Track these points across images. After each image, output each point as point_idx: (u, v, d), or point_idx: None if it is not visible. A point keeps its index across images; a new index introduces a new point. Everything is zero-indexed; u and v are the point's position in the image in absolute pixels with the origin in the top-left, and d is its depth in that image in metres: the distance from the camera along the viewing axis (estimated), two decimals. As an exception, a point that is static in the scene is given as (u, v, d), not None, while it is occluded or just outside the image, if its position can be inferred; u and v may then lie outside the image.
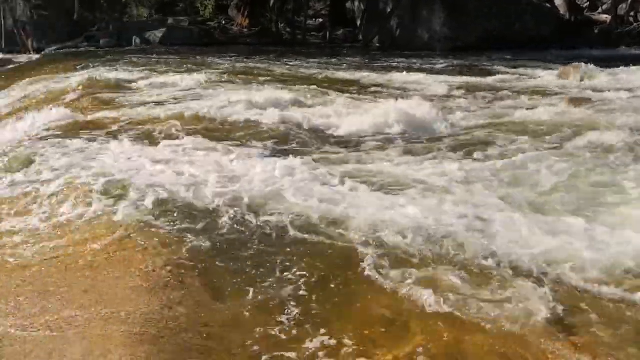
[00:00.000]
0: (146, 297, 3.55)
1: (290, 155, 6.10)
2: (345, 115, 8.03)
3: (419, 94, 10.39)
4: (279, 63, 14.87)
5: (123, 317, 3.33)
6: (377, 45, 21.32)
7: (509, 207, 4.73)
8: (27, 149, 6.86)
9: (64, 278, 3.85)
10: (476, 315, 3.33)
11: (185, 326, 3.30)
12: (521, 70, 14.27)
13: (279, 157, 6.20)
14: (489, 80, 12.12)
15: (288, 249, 4.19)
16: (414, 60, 15.81)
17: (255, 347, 3.15)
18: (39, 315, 3.39)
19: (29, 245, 4.40)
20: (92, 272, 3.90)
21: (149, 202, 4.88)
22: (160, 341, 3.16)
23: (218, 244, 4.28)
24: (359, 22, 23.12)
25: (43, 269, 4.00)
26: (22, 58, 19.03)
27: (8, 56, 19.53)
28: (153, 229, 4.47)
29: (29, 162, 6.37)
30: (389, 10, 21.26)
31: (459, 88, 10.90)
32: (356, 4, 23.37)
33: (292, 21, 23.37)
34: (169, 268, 3.92)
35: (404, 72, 12.95)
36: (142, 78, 11.81)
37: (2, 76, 15.32)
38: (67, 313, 3.40)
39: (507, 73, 13.32)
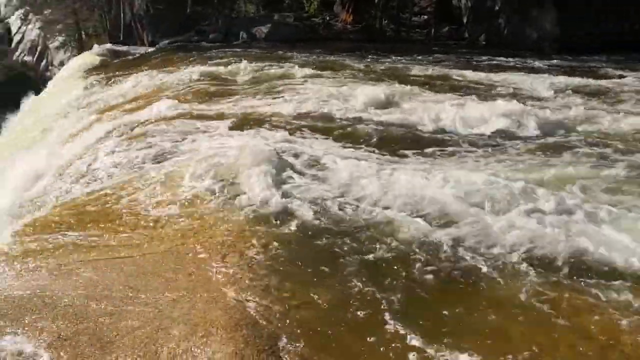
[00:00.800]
0: (247, 283, 3.64)
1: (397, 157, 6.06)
2: (451, 115, 7.82)
3: (526, 94, 9.97)
4: (382, 60, 14.79)
5: (224, 302, 3.44)
6: (484, 43, 20.67)
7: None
8: (134, 136, 7.30)
9: (171, 260, 4.02)
10: None
11: (281, 314, 3.35)
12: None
13: (384, 156, 6.17)
14: (604, 82, 11.39)
15: (406, 257, 4.17)
16: (523, 60, 15.17)
17: (351, 338, 3.16)
18: (148, 294, 3.57)
19: (137, 227, 4.64)
20: (197, 256, 4.06)
21: (254, 191, 5.01)
22: (258, 327, 3.22)
23: (321, 236, 4.33)
24: (465, 20, 22.54)
25: (152, 250, 4.20)
26: (138, 50, 20.17)
27: (125, 48, 20.77)
28: (257, 217, 4.58)
29: (131, 148, 6.78)
30: (496, 7, 20.57)
31: (571, 90, 10.33)
32: (463, 1, 22.82)
33: (396, 18, 23.15)
34: (270, 255, 4.00)
35: (512, 72, 12.46)
36: (247, 72, 12.12)
37: (120, 67, 16.29)
38: (173, 294, 3.56)
39: (624, 76, 12.46)
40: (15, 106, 17.64)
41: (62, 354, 3.01)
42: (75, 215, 5.02)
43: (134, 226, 4.62)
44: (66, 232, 4.61)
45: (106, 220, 4.80)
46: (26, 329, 3.19)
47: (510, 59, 15.25)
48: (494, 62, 14.89)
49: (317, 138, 6.93)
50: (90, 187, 6.02)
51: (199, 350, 3.01)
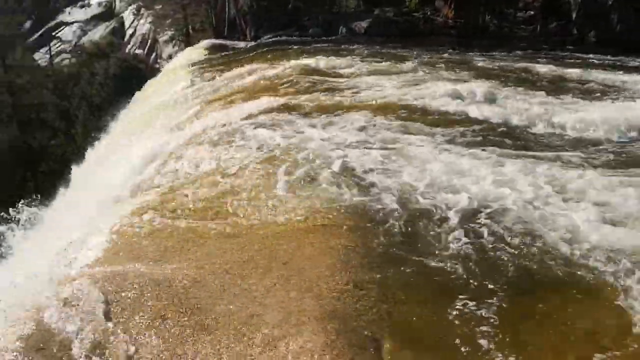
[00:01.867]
0: (339, 275, 3.68)
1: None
2: (559, 114, 7.47)
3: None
4: (483, 56, 14.35)
5: (317, 292, 3.50)
6: (593, 40, 19.56)
7: None
8: (237, 128, 7.51)
9: (267, 248, 4.13)
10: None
11: (375, 309, 3.36)
12: None
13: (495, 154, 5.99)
14: None
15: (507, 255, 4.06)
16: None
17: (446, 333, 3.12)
18: (243, 281, 3.69)
19: (237, 214, 4.79)
20: (292, 245, 4.14)
21: (349, 181, 5.05)
22: (350, 320, 3.25)
23: (418, 232, 4.29)
24: (574, 15, 21.42)
25: (252, 237, 4.33)
26: (241, 45, 20.80)
27: (228, 42, 21.50)
28: (353, 208, 4.61)
29: (235, 138, 6.98)
30: (609, 3, 19.39)
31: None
32: (573, -5, 21.70)
33: (500, 13, 22.41)
34: (365, 248, 4.02)
35: (628, 73, 11.67)
36: (347, 66, 12.15)
37: (224, 61, 16.88)
38: (267, 282, 3.66)
39: None
40: (128, 96, 18.72)
41: (164, 332, 3.18)
42: (183, 198, 5.24)
43: (237, 213, 4.75)
44: (174, 215, 4.84)
45: (211, 205, 4.97)
46: (129, 309, 3.38)
47: (624, 58, 14.29)
48: (606, 61, 14.02)
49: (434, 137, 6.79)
50: (197, 171, 6.29)
51: (291, 338, 3.09)
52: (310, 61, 12.78)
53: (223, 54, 18.86)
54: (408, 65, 11.73)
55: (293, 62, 12.72)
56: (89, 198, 8.37)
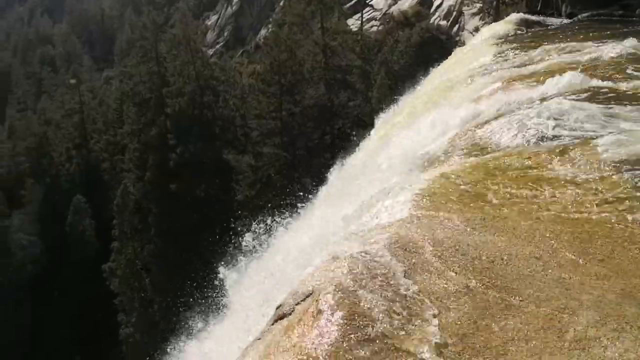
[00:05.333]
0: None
1: None
2: None
3: None
4: None
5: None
6: None
7: None
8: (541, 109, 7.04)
9: (579, 242, 3.83)
10: None
11: None
12: None
13: None
14: None
15: None
16: None
17: None
18: (554, 270, 3.49)
19: (552, 200, 4.52)
20: (609, 240, 3.78)
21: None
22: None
23: None
24: None
25: (558, 224, 4.06)
26: (553, 21, 19.44)
27: (540, 18, 20.26)
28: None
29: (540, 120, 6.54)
30: None
31: None
32: None
33: None
34: None
35: None
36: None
37: (533, 38, 16.02)
38: (581, 277, 3.41)
39: None
40: (426, 66, 19.10)
41: (468, 303, 3.18)
42: (482, 171, 5.14)
43: (553, 194, 4.49)
44: (473, 187, 4.80)
45: (513, 180, 4.80)
46: (435, 273, 3.45)
47: None
48: None
49: None
50: (500, 146, 6.11)
51: (608, 343, 2.83)
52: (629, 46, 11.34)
53: (533, 30, 17.90)
54: None
55: (616, 45, 11.43)
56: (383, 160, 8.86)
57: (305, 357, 2.81)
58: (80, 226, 27.12)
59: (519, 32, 17.63)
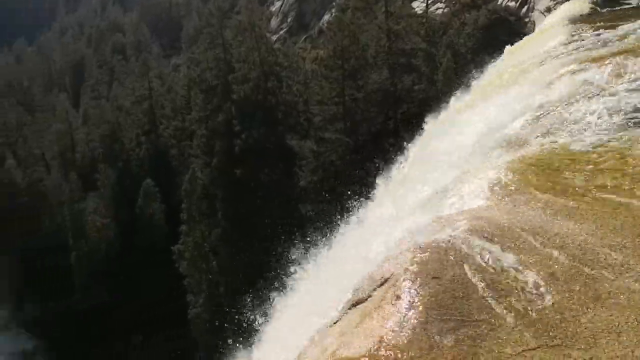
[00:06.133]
0: None
1: None
2: None
3: None
4: None
5: None
6: None
7: None
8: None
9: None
10: None
11: None
12: None
13: None
14: None
15: None
16: None
17: None
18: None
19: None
20: None
21: None
22: None
23: None
24: None
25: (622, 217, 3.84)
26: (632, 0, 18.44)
27: (619, -3, 19.23)
28: None
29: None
30: None
31: None
32: None
33: None
34: None
35: None
36: None
37: (610, 17, 15.25)
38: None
39: None
40: (494, 48, 18.50)
41: (552, 291, 3.08)
42: (563, 156, 4.94)
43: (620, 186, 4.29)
44: (553, 172, 4.62)
45: (595, 165, 4.59)
46: (522, 261, 3.35)
47: None
48: None
49: None
50: (573, 137, 5.86)
51: None
52: None
53: (611, 9, 17.04)
54: None
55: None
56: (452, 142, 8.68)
57: (385, 344, 2.79)
58: (150, 209, 28.03)
59: (596, 10, 16.82)
